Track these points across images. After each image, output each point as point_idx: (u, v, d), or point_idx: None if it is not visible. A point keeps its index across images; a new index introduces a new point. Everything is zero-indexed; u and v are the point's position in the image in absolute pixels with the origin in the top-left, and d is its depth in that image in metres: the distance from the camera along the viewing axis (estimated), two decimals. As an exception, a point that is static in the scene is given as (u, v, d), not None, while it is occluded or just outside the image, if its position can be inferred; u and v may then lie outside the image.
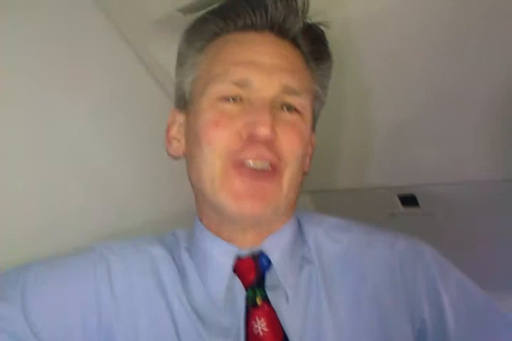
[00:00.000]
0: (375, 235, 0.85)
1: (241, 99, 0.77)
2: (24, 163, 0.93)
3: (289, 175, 0.77)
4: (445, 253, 1.20)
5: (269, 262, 0.78)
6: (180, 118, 0.85)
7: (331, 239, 0.84)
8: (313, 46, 0.83)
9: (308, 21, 0.82)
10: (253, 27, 0.80)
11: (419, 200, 1.21)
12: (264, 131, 0.72)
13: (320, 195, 1.33)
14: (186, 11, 0.90)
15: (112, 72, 1.06)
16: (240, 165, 0.74)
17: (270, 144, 0.74)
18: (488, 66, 0.91)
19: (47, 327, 0.73)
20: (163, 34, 1.00)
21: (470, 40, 0.88)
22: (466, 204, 1.15)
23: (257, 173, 0.74)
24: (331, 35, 0.85)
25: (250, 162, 0.74)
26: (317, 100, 0.85)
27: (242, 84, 0.76)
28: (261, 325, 0.73)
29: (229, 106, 0.76)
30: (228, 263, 0.77)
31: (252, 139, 0.74)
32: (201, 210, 0.84)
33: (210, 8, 0.86)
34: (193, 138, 0.80)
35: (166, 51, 1.01)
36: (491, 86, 0.93)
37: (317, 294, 0.78)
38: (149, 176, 1.12)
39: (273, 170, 0.75)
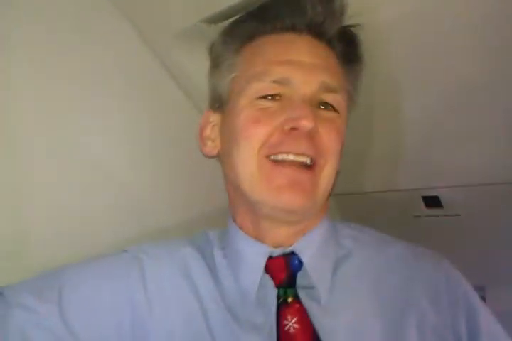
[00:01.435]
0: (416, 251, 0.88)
1: (280, 97, 0.78)
2: (49, 170, 0.96)
3: (327, 172, 0.78)
4: (468, 255, 1.21)
5: (300, 262, 0.79)
6: (215, 118, 0.87)
7: (373, 248, 0.86)
8: (347, 48, 0.85)
9: (345, 24, 0.84)
10: (291, 29, 0.82)
11: (443, 202, 1.22)
12: (306, 123, 0.73)
13: (344, 198, 1.34)
14: (211, 20, 0.92)
15: (136, 81, 1.08)
16: (279, 160, 0.76)
17: (311, 139, 0.76)
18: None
19: (83, 326, 0.76)
20: (188, 43, 1.01)
21: (501, 40, 0.88)
22: (490, 206, 1.15)
23: (297, 167, 0.76)
24: (363, 37, 0.86)
25: (291, 156, 0.76)
26: (350, 100, 0.87)
27: (282, 82, 0.78)
28: (292, 323, 0.75)
29: (269, 104, 0.78)
30: (260, 263, 0.79)
31: (293, 133, 0.75)
32: (235, 210, 0.85)
33: (239, 14, 0.87)
34: (230, 136, 0.81)
35: (191, 60, 1.04)
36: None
37: (354, 294, 0.80)
38: (177, 179, 1.14)
39: (313, 165, 0.77)
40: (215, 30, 0.92)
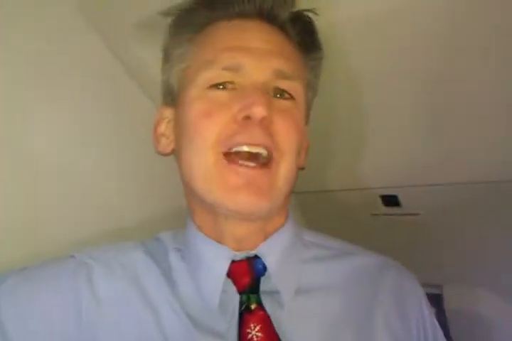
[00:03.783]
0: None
1: (232, 86, 0.74)
2: (7, 167, 0.90)
3: (285, 166, 0.73)
4: (426, 253, 1.22)
5: (264, 266, 0.75)
6: (169, 113, 0.81)
7: (338, 256, 0.83)
8: (302, 35, 0.81)
9: (297, 9, 0.80)
10: (241, 15, 0.78)
11: (401, 201, 1.23)
12: (260, 110, 0.69)
13: (304, 196, 1.34)
14: (167, 13, 0.90)
15: (92, 75, 1.03)
16: (234, 156, 0.71)
17: (266, 129, 0.71)
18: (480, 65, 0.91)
19: (20, 338, 0.69)
20: (144, 37, 0.98)
21: (462, 32, 0.88)
22: (447, 205, 1.16)
23: (252, 166, 0.71)
24: (321, 29, 0.83)
25: (245, 148, 0.71)
26: (310, 89, 0.82)
27: (233, 69, 0.73)
28: (255, 331, 0.71)
29: (220, 94, 0.73)
30: (223, 268, 0.74)
31: (247, 122, 0.71)
32: (193, 209, 0.80)
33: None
34: (183, 131, 0.76)
35: (147, 53, 1.00)
36: (485, 84, 0.94)
37: (320, 301, 0.77)
38: (134, 177, 1.10)
39: (269, 160, 0.72)
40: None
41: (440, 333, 0.84)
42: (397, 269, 0.85)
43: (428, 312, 0.83)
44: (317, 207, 1.31)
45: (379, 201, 1.25)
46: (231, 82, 0.74)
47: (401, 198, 1.22)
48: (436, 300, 0.87)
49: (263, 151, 0.71)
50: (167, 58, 0.82)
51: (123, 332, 0.71)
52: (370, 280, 0.81)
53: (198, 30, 0.79)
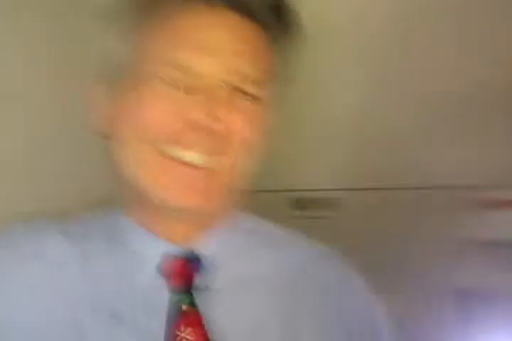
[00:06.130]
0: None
1: (184, 84, 0.66)
2: None
3: (236, 169, 0.69)
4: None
5: (199, 263, 0.71)
6: (111, 91, 0.72)
7: (274, 246, 0.80)
8: (275, 16, 0.73)
9: None
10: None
11: (318, 204, 1.21)
12: (211, 122, 0.64)
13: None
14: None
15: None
16: (174, 157, 0.66)
17: (215, 133, 0.65)
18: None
19: None
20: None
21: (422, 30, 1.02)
22: (365, 210, 1.21)
23: (191, 165, 0.66)
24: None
25: (186, 155, 0.66)
26: (280, 79, 0.76)
27: (187, 71, 0.66)
28: (185, 334, 0.67)
29: (173, 93, 0.66)
30: (153, 262, 0.69)
31: (193, 126, 0.65)
32: (125, 196, 0.74)
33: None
34: (122, 118, 0.69)
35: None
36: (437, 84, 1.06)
37: (253, 294, 0.73)
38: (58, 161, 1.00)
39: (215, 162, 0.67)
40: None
41: (381, 329, 0.80)
42: (334, 261, 0.82)
43: (365, 303, 0.80)
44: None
45: (296, 204, 1.18)
46: (188, 82, 0.66)
47: (318, 201, 1.21)
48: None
49: (208, 159, 0.67)
50: (115, 21, 0.72)
51: (34, 321, 0.66)
52: (303, 272, 0.78)
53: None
